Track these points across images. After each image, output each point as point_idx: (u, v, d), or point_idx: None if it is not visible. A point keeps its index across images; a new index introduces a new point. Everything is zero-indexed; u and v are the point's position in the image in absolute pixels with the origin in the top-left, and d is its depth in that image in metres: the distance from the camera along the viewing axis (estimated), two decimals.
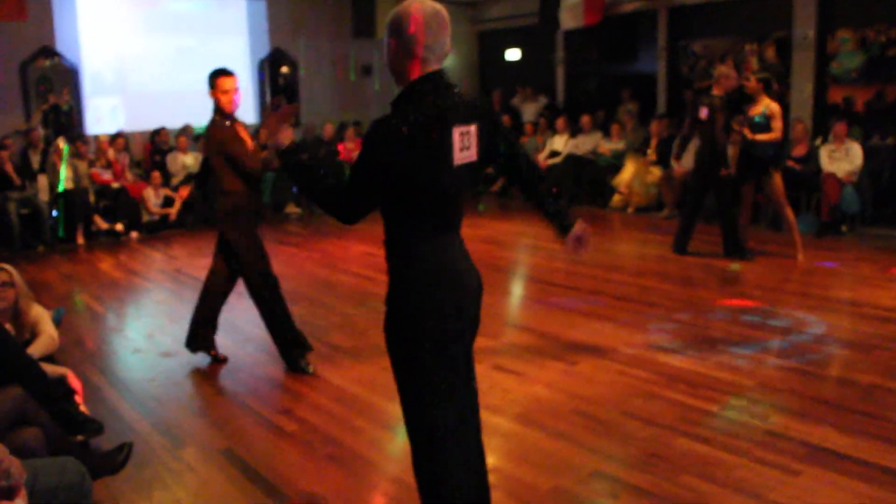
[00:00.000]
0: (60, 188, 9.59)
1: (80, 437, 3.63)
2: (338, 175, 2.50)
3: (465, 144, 2.46)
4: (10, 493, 2.38)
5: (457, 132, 2.43)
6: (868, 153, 9.00)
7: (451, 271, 2.50)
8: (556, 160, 11.66)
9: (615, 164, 11.13)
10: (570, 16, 11.66)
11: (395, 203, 2.47)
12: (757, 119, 7.40)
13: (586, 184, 11.49)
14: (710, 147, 7.57)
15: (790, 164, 9.14)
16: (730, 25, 11.60)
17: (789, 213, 7.57)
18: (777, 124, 7.40)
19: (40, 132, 10.52)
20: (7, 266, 4.08)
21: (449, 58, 8.88)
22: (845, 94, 10.46)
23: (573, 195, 11.46)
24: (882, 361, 4.87)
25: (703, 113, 7.51)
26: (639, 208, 10.68)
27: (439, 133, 2.38)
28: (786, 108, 10.60)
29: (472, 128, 2.49)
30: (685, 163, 10.11)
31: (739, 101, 7.57)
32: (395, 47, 2.46)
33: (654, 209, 10.56)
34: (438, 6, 2.47)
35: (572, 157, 11.53)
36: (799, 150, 9.24)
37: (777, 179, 7.47)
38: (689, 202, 8.07)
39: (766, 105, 7.40)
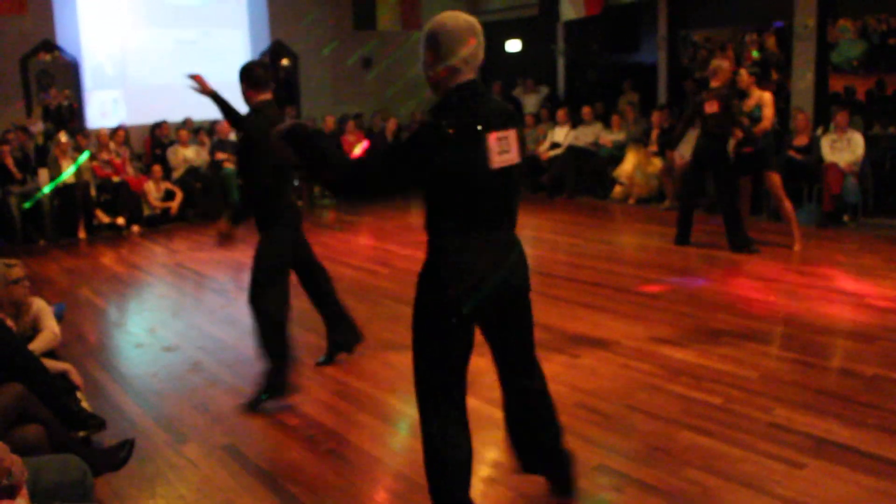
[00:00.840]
0: (59, 179, 9.56)
1: (81, 433, 3.63)
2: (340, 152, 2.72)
3: (503, 148, 2.63)
4: (12, 491, 2.38)
5: (493, 137, 2.60)
6: (869, 143, 8.97)
7: (470, 269, 2.67)
8: (558, 151, 11.63)
9: (616, 155, 11.10)
10: (571, 6, 11.62)
11: (436, 198, 2.66)
12: (755, 113, 7.40)
13: (587, 175, 11.47)
14: (710, 139, 7.53)
15: (791, 153, 9.11)
16: (730, 15, 11.56)
17: (788, 205, 7.57)
18: (767, 112, 7.42)
19: (41, 126, 10.52)
20: (15, 261, 4.10)
21: None
22: (846, 83, 10.45)
23: (574, 187, 11.45)
24: (885, 352, 4.85)
25: (715, 106, 7.45)
26: (640, 199, 10.66)
27: (478, 138, 2.57)
28: (786, 98, 10.59)
29: (511, 132, 2.68)
30: (685, 153, 10.09)
31: (734, 95, 7.58)
32: (433, 60, 2.63)
33: (656, 200, 10.53)
34: (472, 19, 2.64)
35: (573, 148, 11.50)
36: (800, 140, 9.21)
37: (774, 175, 7.47)
38: (686, 192, 8.06)
39: (759, 97, 7.43)
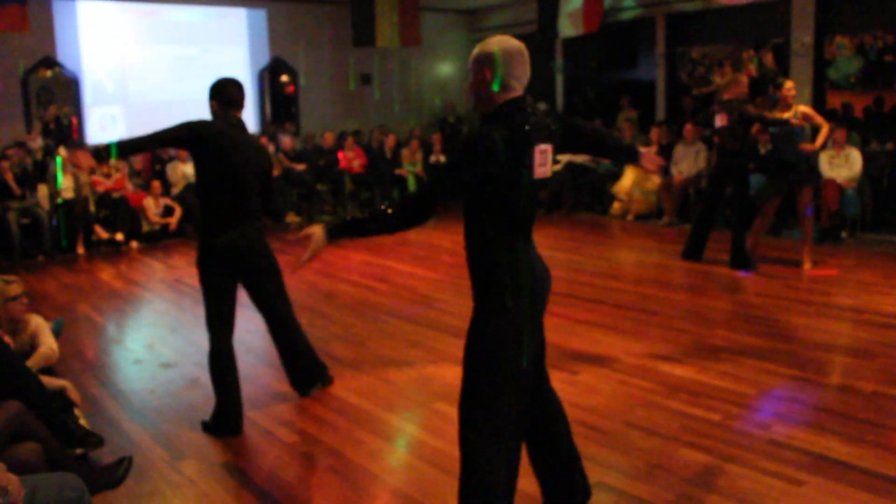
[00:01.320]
0: (59, 200, 9.58)
1: (79, 451, 3.62)
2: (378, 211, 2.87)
3: (542, 161, 2.82)
4: None
5: (538, 150, 2.79)
6: (867, 159, 9.01)
7: (528, 277, 2.79)
8: (556, 167, 11.66)
9: (615, 172, 11.13)
10: (570, 23, 11.66)
11: (482, 208, 2.77)
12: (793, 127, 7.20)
13: (586, 191, 11.49)
14: (725, 155, 7.50)
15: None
16: (728, 32, 11.63)
17: (810, 223, 7.50)
18: (819, 118, 7.30)
19: (40, 142, 10.54)
20: (14, 277, 4.10)
21: (447, 65, 8.90)
22: (843, 99, 10.48)
23: (573, 203, 11.47)
24: (884, 369, 4.85)
25: (724, 119, 7.45)
26: (638, 216, 10.68)
27: (525, 149, 2.73)
28: None
29: (549, 147, 2.86)
30: (683, 170, 10.13)
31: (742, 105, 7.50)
32: (490, 78, 2.81)
33: (654, 217, 10.56)
34: (521, 44, 2.89)
35: (572, 164, 11.53)
36: None
37: (810, 189, 7.37)
38: (704, 209, 8.01)
39: (795, 109, 7.20)
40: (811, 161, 7.41)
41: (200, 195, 4.34)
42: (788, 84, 7.32)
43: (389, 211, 2.82)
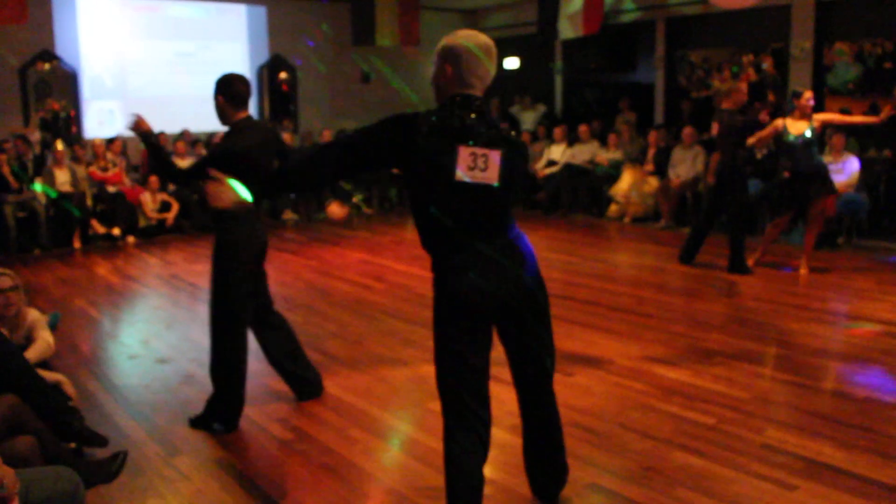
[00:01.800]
0: (53, 194, 9.56)
1: (72, 444, 3.62)
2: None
3: (477, 165, 2.71)
4: (4, 503, 2.37)
5: (467, 150, 2.68)
6: (864, 165, 9.03)
7: (454, 283, 2.80)
8: (554, 169, 11.67)
9: (612, 174, 11.14)
10: (569, 25, 11.66)
11: (415, 206, 2.81)
12: (803, 137, 7.18)
13: (583, 193, 11.51)
14: (729, 161, 7.51)
15: (787, 175, 9.15)
16: (727, 36, 11.65)
17: (817, 230, 7.52)
18: (843, 117, 7.28)
19: (38, 136, 10.53)
20: (7, 270, 4.08)
21: None
22: (842, 105, 10.49)
23: (570, 205, 11.49)
24: (878, 375, 4.87)
25: (715, 128, 7.51)
26: (635, 218, 10.70)
27: (449, 146, 2.68)
28: None
29: (493, 153, 2.72)
30: (681, 173, 10.14)
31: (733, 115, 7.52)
32: (451, 73, 2.77)
33: (651, 219, 10.57)
34: (490, 41, 2.82)
35: (570, 166, 11.55)
36: None
37: (831, 199, 7.37)
38: (703, 214, 8.02)
39: (813, 119, 7.21)
40: (823, 171, 7.35)
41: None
42: (807, 94, 7.25)
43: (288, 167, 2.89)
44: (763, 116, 7.34)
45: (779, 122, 7.35)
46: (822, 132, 7.25)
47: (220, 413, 4.28)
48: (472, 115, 2.73)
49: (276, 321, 4.59)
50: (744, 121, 7.36)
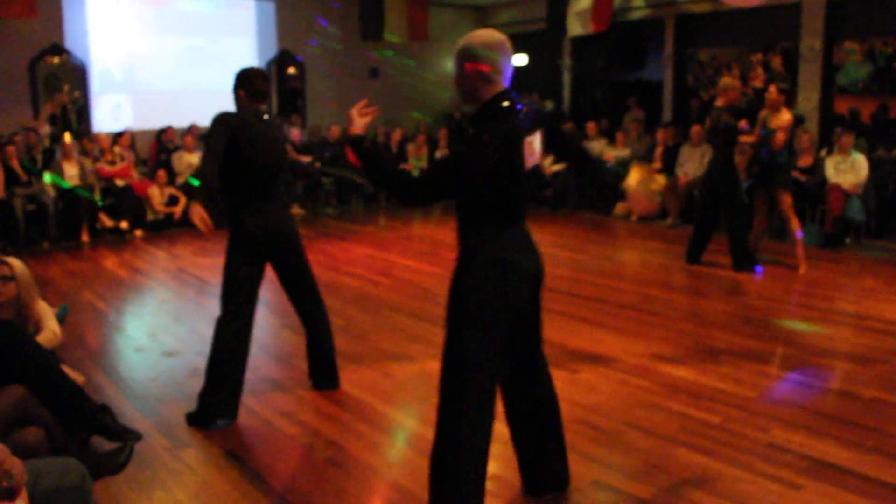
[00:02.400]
0: (66, 185, 9.59)
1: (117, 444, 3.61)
2: (392, 163, 3.04)
3: (532, 151, 2.96)
4: (12, 494, 2.38)
5: (527, 142, 2.91)
6: (873, 165, 8.99)
7: (504, 262, 2.94)
8: (561, 166, 11.65)
9: (620, 172, 11.13)
10: (578, 22, 11.66)
11: (471, 201, 2.95)
12: (767, 129, 7.38)
13: (590, 190, 11.49)
14: (720, 159, 7.51)
15: (795, 174, 9.14)
16: (737, 35, 11.61)
17: (795, 225, 7.55)
18: (780, 133, 7.41)
19: (47, 129, 10.56)
20: (12, 259, 4.08)
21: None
22: (851, 105, 10.46)
23: (577, 202, 11.47)
24: (884, 375, 4.86)
25: (707, 125, 7.55)
26: (642, 216, 10.68)
27: (514, 145, 2.85)
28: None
29: (537, 135, 2.99)
30: (689, 171, 10.12)
31: (749, 111, 7.54)
32: (471, 73, 2.90)
33: (659, 217, 10.55)
34: (503, 36, 2.95)
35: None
36: (804, 162, 9.24)
37: (786, 194, 7.48)
38: (702, 213, 8.00)
39: (783, 114, 7.38)
40: (781, 164, 7.49)
41: (229, 182, 4.28)
42: (772, 89, 7.56)
43: (405, 176, 2.97)
44: (743, 125, 7.40)
45: (761, 115, 7.54)
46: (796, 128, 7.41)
47: (218, 403, 4.26)
48: (516, 108, 2.90)
49: (315, 311, 4.65)
50: (726, 122, 7.38)
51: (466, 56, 2.91)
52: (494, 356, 2.94)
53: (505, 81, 2.93)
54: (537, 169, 3.02)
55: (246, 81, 4.30)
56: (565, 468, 3.42)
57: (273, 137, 4.39)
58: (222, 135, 4.09)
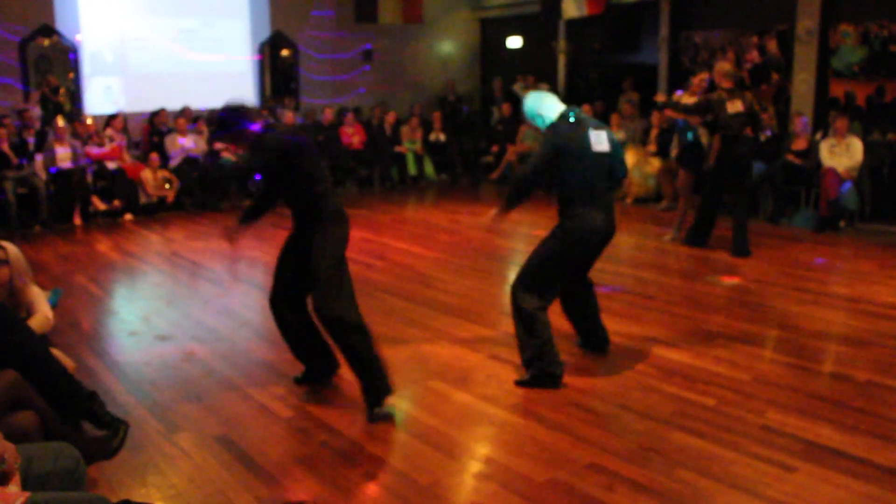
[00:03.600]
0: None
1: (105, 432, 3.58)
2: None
3: (598, 140, 4.46)
4: (5, 478, 2.37)
5: (592, 132, 4.46)
6: (868, 149, 8.98)
7: (589, 228, 4.52)
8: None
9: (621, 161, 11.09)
10: (573, 4, 11.61)
11: (564, 173, 4.46)
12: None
13: None
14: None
15: (790, 158, 9.13)
16: (732, 17, 11.56)
17: (682, 204, 8.28)
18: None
19: (38, 112, 10.47)
20: (5, 243, 4.05)
21: (449, 44, 9.61)
22: (846, 88, 10.43)
23: None
24: (878, 358, 4.87)
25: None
26: (637, 199, 10.67)
27: (584, 131, 4.46)
28: (786, 102, 10.62)
29: (603, 132, 4.50)
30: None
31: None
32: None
33: (653, 200, 10.54)
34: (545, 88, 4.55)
35: None
36: (799, 145, 9.23)
37: (683, 173, 8.23)
38: (706, 197, 7.98)
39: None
40: (687, 144, 8.18)
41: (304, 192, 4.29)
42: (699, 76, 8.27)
43: (527, 176, 4.58)
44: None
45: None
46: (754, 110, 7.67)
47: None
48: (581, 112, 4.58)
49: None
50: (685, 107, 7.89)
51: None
52: (563, 279, 4.68)
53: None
54: (605, 155, 4.52)
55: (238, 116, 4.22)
56: (605, 332, 5.03)
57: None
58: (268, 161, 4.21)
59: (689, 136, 8.14)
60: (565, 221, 4.51)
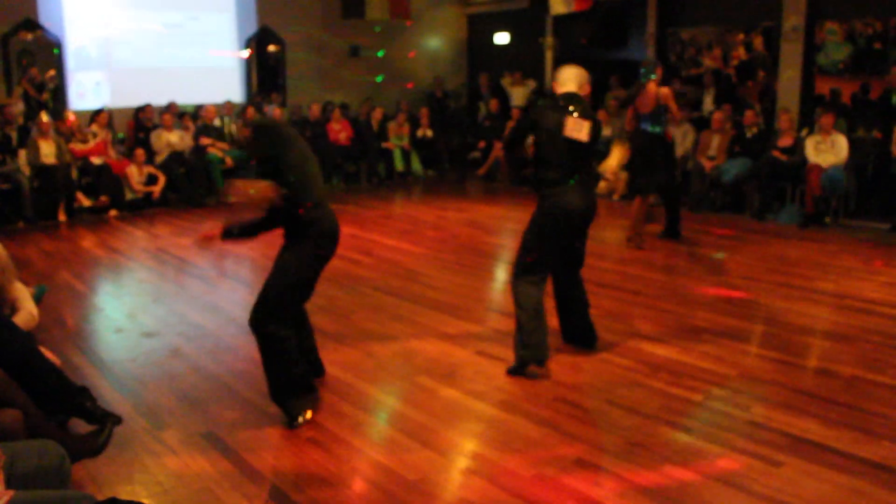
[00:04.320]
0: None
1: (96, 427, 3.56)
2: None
3: (576, 128, 4.50)
4: None
5: (570, 119, 4.50)
6: (853, 145, 9.03)
7: (565, 206, 4.56)
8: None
9: (601, 151, 11.09)
10: (561, 0, 11.60)
11: (539, 153, 4.60)
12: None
13: None
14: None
15: (775, 154, 9.17)
16: (719, 14, 11.60)
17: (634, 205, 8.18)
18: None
19: (21, 107, 10.37)
20: None
21: (437, 40, 9.73)
22: (832, 85, 10.48)
23: None
24: (863, 353, 4.90)
25: None
26: (624, 195, 10.68)
27: (560, 114, 4.55)
28: (772, 99, 10.67)
29: (586, 123, 4.52)
30: None
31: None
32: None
33: None
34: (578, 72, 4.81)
35: None
36: (785, 141, 9.27)
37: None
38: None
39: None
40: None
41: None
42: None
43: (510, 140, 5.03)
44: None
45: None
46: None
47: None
48: (571, 100, 4.63)
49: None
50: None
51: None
52: (553, 258, 4.77)
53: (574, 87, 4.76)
54: (580, 143, 4.54)
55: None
56: (592, 330, 5.04)
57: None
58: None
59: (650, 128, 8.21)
60: (543, 202, 4.61)
